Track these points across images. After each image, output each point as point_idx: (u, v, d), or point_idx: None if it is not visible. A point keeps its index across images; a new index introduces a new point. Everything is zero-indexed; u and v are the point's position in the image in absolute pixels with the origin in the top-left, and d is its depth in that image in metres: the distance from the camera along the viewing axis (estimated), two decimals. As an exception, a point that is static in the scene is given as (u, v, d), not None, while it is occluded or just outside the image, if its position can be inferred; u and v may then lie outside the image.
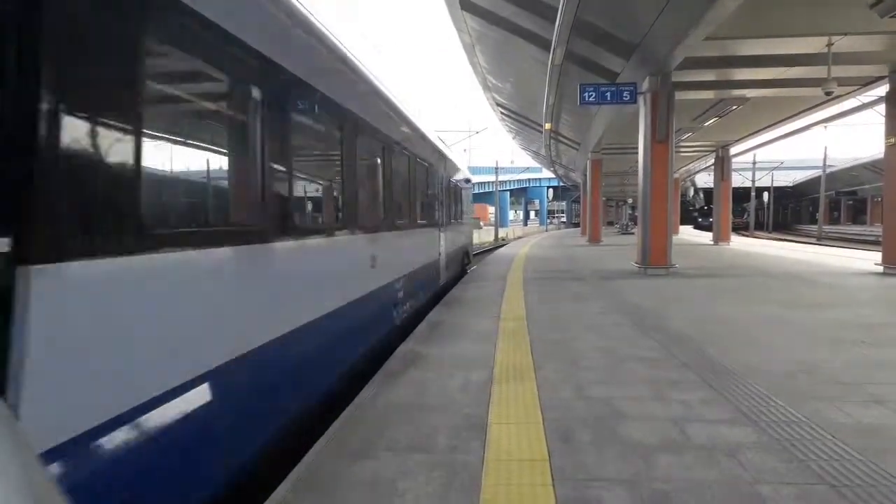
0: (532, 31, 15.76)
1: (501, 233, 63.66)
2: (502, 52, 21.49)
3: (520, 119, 33.88)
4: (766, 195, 69.65)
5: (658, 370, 5.58)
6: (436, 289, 11.88)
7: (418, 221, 10.04)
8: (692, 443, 3.79)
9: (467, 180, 19.22)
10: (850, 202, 73.02)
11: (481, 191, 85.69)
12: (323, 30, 5.31)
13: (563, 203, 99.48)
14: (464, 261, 18.22)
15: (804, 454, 3.58)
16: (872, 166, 53.73)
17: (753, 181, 61.16)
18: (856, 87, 16.76)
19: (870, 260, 17.12)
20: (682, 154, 32.26)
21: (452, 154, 16.32)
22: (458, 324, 8.23)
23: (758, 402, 4.59)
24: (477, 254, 37.34)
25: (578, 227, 53.83)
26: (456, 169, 15.94)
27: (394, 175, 8.04)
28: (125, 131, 2.48)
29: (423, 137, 10.85)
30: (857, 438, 3.82)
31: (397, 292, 8.04)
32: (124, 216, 2.46)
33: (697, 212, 71.38)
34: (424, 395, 4.94)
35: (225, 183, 3.69)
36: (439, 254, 12.22)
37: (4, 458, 0.60)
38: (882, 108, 15.38)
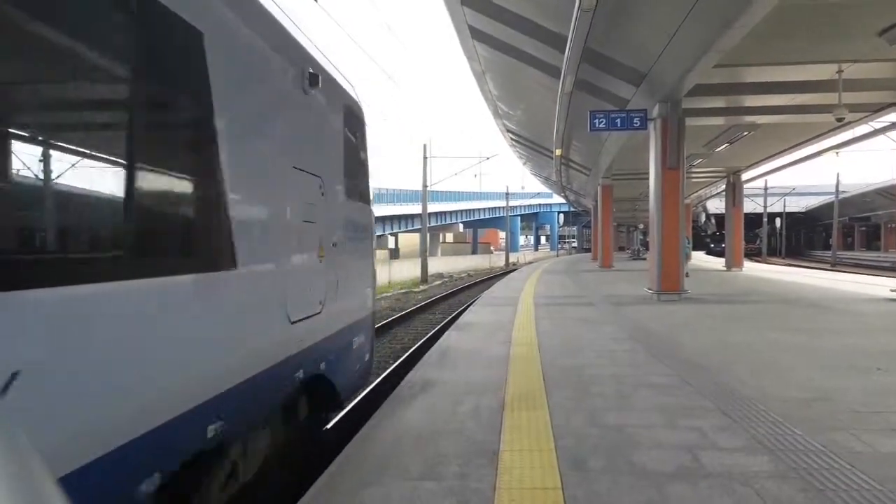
0: (542, 60, 15.91)
1: (512, 258, 63.78)
2: (512, 80, 21.68)
3: (530, 145, 34.03)
4: (778, 221, 69.34)
5: (672, 397, 5.52)
6: None
7: None
8: (707, 471, 3.73)
9: (351, 114, 5.77)
10: (864, 228, 72.54)
11: (492, 216, 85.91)
12: None
13: (574, 228, 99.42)
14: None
15: (822, 484, 3.52)
16: (885, 192, 53.48)
17: (765, 207, 60.93)
18: (867, 114, 16.77)
19: (885, 286, 16.94)
20: (694, 180, 32.26)
21: None
22: (470, 349, 8.19)
23: (773, 429, 4.52)
24: (489, 278, 37.34)
25: (590, 252, 53.72)
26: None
27: None
28: None
29: None
30: (875, 468, 3.75)
31: None
32: None
33: (709, 237, 71.10)
34: (435, 421, 4.91)
35: None
36: None
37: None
38: (894, 133, 15.35)
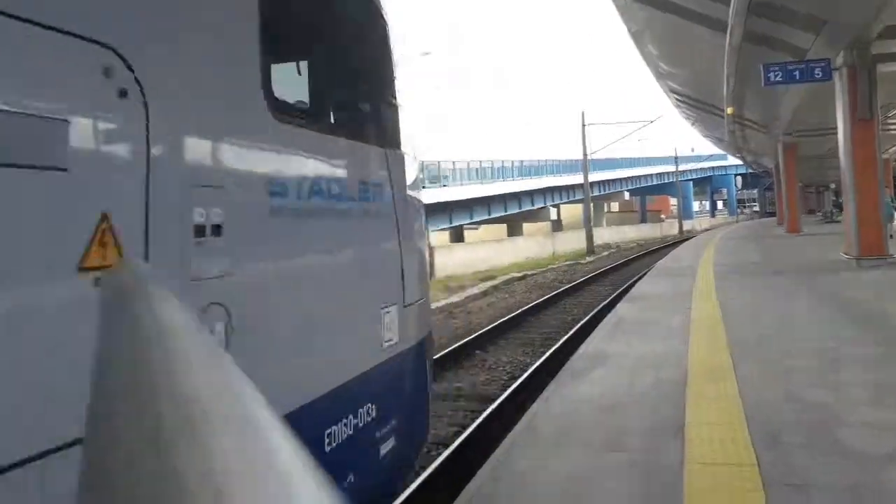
0: (705, 14, 14.91)
1: (686, 225, 60.59)
2: (674, 38, 20.54)
3: (698, 105, 32.06)
4: None
5: (881, 372, 5.03)
6: None
7: None
8: (928, 452, 3.40)
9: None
10: None
11: (660, 182, 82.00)
12: None
13: (755, 191, 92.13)
14: None
15: None
16: None
17: None
18: None
19: None
20: (891, 132, 28.64)
21: None
22: (645, 320, 8.00)
23: None
24: (661, 248, 35.86)
25: (774, 216, 49.65)
26: None
27: None
28: None
29: None
30: None
31: None
32: None
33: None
34: (613, 393, 4.88)
35: None
36: None
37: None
38: None
